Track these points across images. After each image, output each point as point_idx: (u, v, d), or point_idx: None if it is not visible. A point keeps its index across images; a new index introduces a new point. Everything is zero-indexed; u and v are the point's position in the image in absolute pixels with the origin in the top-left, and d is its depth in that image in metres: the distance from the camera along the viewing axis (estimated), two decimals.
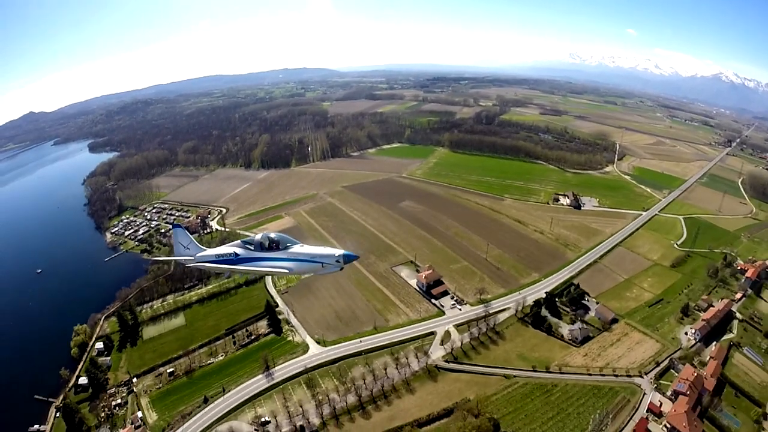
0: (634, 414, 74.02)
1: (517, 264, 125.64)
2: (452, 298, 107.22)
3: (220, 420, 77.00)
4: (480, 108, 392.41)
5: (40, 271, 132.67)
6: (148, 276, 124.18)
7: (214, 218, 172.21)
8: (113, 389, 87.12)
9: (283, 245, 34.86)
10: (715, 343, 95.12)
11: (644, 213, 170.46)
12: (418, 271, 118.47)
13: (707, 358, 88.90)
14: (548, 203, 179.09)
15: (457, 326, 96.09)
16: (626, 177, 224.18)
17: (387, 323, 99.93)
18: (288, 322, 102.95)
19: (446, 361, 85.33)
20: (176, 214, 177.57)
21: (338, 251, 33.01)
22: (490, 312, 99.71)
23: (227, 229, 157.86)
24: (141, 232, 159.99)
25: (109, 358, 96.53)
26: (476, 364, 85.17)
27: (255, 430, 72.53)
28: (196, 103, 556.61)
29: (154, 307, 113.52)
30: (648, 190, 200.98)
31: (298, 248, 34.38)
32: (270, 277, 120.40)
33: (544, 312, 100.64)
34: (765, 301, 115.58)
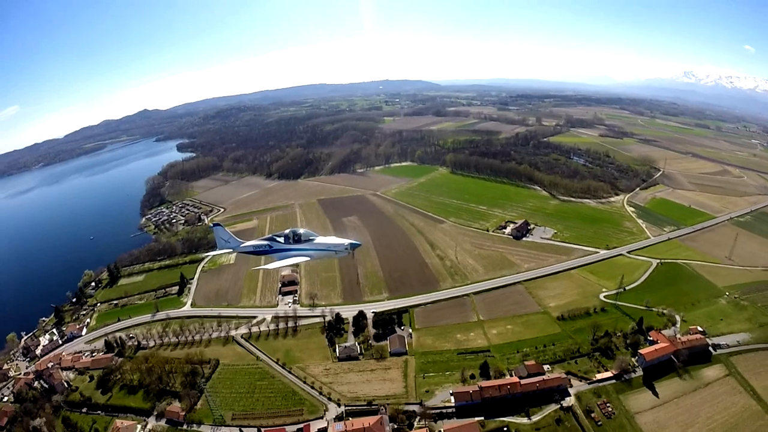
0: (306, 422, 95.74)
1: (379, 283, 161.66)
2: (292, 297, 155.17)
3: (116, 331, 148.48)
4: (531, 128, 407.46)
5: (92, 238, 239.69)
6: (141, 249, 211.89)
7: (213, 216, 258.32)
8: (86, 307, 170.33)
9: (305, 238, 48.76)
10: (480, 419, 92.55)
11: (603, 251, 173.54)
12: (293, 272, 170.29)
13: (325, 425, 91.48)
14: (488, 230, 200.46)
15: (274, 317, 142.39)
16: (629, 209, 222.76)
17: (238, 303, 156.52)
18: (189, 289, 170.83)
19: (241, 337, 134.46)
20: (193, 210, 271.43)
21: (347, 241, 48.06)
22: (303, 315, 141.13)
23: (210, 224, 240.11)
24: (161, 220, 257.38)
25: (94, 291, 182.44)
26: (254, 345, 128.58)
27: (121, 337, 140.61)
28: (282, 112, 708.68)
29: (134, 268, 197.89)
30: (643, 225, 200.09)
31: (317, 240, 48.59)
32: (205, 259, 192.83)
33: (351, 327, 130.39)
34: (655, 395, 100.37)
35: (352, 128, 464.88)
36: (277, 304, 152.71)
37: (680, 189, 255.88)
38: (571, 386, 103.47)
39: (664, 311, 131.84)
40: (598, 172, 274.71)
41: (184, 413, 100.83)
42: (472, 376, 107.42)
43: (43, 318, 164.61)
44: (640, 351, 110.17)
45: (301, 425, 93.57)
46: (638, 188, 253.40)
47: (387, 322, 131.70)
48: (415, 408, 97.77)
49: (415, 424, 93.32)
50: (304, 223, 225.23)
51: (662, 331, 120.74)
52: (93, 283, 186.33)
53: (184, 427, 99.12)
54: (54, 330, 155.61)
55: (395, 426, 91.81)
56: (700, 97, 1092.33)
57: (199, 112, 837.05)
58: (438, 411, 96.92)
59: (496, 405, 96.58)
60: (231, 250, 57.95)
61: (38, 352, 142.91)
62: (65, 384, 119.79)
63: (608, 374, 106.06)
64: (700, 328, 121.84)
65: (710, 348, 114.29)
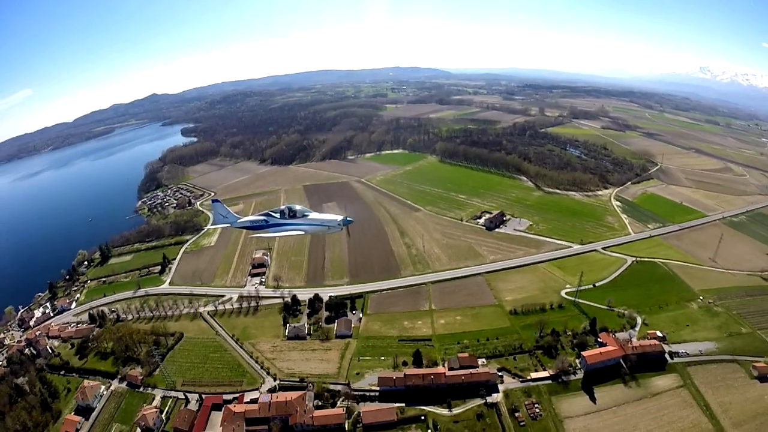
0: (242, 392, 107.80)
1: (342, 268, 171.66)
2: (260, 279, 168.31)
3: (100, 305, 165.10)
4: (532, 118, 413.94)
5: (90, 219, 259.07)
6: (132, 231, 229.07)
7: (203, 200, 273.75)
8: (77, 284, 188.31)
9: (300, 214, 54.28)
10: (401, 405, 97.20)
11: (576, 246, 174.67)
12: (264, 255, 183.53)
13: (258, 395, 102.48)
14: (462, 220, 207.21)
15: (239, 297, 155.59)
16: (615, 203, 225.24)
17: (211, 282, 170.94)
18: (170, 269, 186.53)
19: (207, 313, 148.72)
20: (185, 194, 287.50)
21: (339, 217, 52.86)
22: (265, 295, 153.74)
23: (199, 208, 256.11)
24: (155, 203, 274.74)
25: (87, 269, 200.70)
26: (217, 321, 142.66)
27: (102, 311, 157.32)
28: (288, 98, 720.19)
29: (124, 248, 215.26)
30: (627, 221, 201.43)
31: (311, 215, 54.39)
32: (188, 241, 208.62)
33: (306, 309, 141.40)
34: (592, 400, 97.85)
35: (351, 115, 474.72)
36: (245, 285, 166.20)
37: (675, 185, 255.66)
38: (502, 383, 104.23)
39: (625, 312, 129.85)
40: (591, 165, 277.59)
41: (142, 377, 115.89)
42: (405, 363, 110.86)
43: (39, 293, 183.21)
44: (582, 353, 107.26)
45: (237, 394, 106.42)
46: (630, 182, 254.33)
47: (339, 306, 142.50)
48: (341, 388, 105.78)
49: (338, 402, 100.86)
50: None
51: (617, 334, 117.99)
52: (86, 262, 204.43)
53: (141, 389, 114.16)
54: (47, 304, 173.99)
55: (319, 402, 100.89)
56: (714, 93, 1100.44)
57: (208, 96, 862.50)
58: (362, 393, 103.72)
59: (420, 393, 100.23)
60: (228, 224, 63.16)
61: (32, 323, 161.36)
62: (49, 350, 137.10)
63: (545, 374, 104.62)
64: (659, 333, 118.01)
65: (666, 355, 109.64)
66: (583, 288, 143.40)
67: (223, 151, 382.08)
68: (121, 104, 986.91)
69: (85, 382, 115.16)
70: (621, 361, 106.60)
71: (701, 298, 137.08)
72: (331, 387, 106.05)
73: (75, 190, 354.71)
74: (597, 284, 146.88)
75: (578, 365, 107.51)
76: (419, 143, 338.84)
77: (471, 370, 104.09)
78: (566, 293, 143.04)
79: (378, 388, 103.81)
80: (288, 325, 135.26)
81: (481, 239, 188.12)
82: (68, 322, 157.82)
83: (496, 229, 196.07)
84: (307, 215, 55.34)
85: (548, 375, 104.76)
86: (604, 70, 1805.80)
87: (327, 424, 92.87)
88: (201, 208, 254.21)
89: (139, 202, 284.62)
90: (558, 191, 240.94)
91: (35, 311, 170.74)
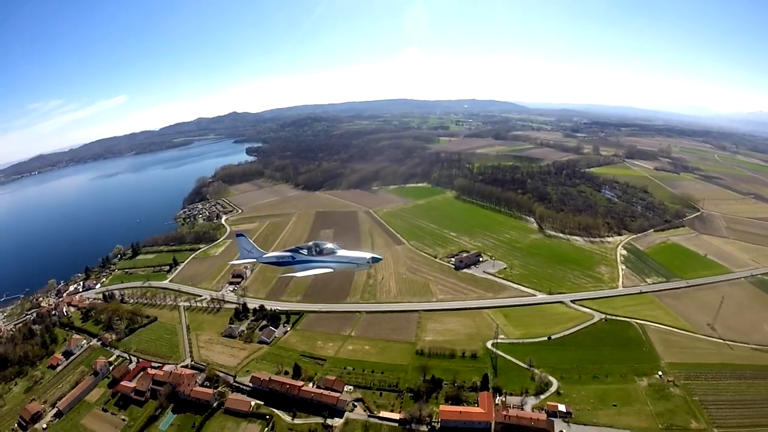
0: (165, 363, 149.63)
1: (301, 288, 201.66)
2: (233, 287, 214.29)
3: (115, 289, 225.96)
4: (578, 156, 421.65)
5: (138, 221, 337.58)
6: (161, 235, 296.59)
7: (229, 216, 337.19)
8: (106, 271, 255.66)
9: (328, 251, 60.10)
10: (260, 402, 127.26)
11: (541, 296, 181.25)
12: (245, 268, 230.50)
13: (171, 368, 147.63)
14: (436, 257, 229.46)
15: (211, 299, 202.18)
16: (621, 252, 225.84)
17: (199, 284, 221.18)
18: (176, 270, 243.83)
19: (183, 307, 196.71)
20: (219, 209, 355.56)
21: (368, 255, 59.83)
22: (228, 300, 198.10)
23: (222, 222, 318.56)
24: (191, 214, 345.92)
25: (118, 260, 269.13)
26: (186, 313, 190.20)
27: (112, 292, 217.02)
28: (353, 125, 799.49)
29: (151, 248, 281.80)
30: (622, 272, 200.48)
31: (339, 253, 60.49)
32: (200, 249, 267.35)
33: (251, 316, 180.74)
34: None
35: (398, 146, 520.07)
36: (220, 290, 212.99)
37: (708, 234, 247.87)
38: (352, 411, 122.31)
39: (539, 374, 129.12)
40: (620, 208, 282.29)
41: (111, 341, 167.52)
42: (286, 373, 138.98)
43: (78, 274, 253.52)
44: (441, 407, 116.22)
45: (161, 364, 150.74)
46: (652, 229, 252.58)
47: (276, 318, 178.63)
48: (224, 376, 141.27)
49: (219, 387, 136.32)
50: (290, 229, 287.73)
51: (509, 397, 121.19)
52: (119, 255, 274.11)
53: (108, 348, 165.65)
54: (81, 282, 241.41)
55: (207, 383, 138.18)
56: None
57: (283, 118, 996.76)
58: (238, 385, 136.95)
59: (278, 398, 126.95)
60: (254, 260, 68.34)
61: (64, 294, 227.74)
62: (65, 313, 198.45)
63: (395, 416, 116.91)
64: (562, 408, 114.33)
65: None
66: (528, 341, 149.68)
67: (267, 173, 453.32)
68: (204, 118, 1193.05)
69: (74, 336, 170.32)
70: (491, 426, 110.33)
71: (660, 374, 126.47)
72: (221, 375, 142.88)
73: (137, 194, 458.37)
74: (538, 339, 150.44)
75: (436, 418, 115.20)
76: (443, 178, 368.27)
77: (324, 390, 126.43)
78: (491, 344, 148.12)
79: (251, 385, 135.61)
80: (228, 325, 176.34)
81: (442, 278, 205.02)
82: (88, 297, 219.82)
83: (465, 270, 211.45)
84: (335, 252, 60.06)
85: (398, 418, 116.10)
86: (686, 107, 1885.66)
87: (200, 398, 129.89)
88: (224, 223, 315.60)
89: (180, 211, 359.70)
90: (560, 235, 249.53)
91: (70, 286, 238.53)
